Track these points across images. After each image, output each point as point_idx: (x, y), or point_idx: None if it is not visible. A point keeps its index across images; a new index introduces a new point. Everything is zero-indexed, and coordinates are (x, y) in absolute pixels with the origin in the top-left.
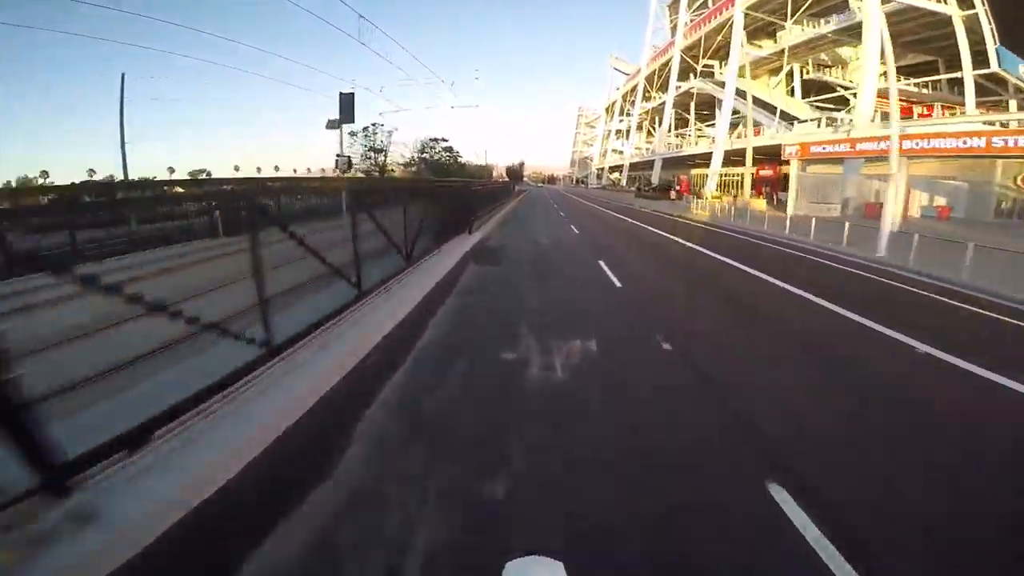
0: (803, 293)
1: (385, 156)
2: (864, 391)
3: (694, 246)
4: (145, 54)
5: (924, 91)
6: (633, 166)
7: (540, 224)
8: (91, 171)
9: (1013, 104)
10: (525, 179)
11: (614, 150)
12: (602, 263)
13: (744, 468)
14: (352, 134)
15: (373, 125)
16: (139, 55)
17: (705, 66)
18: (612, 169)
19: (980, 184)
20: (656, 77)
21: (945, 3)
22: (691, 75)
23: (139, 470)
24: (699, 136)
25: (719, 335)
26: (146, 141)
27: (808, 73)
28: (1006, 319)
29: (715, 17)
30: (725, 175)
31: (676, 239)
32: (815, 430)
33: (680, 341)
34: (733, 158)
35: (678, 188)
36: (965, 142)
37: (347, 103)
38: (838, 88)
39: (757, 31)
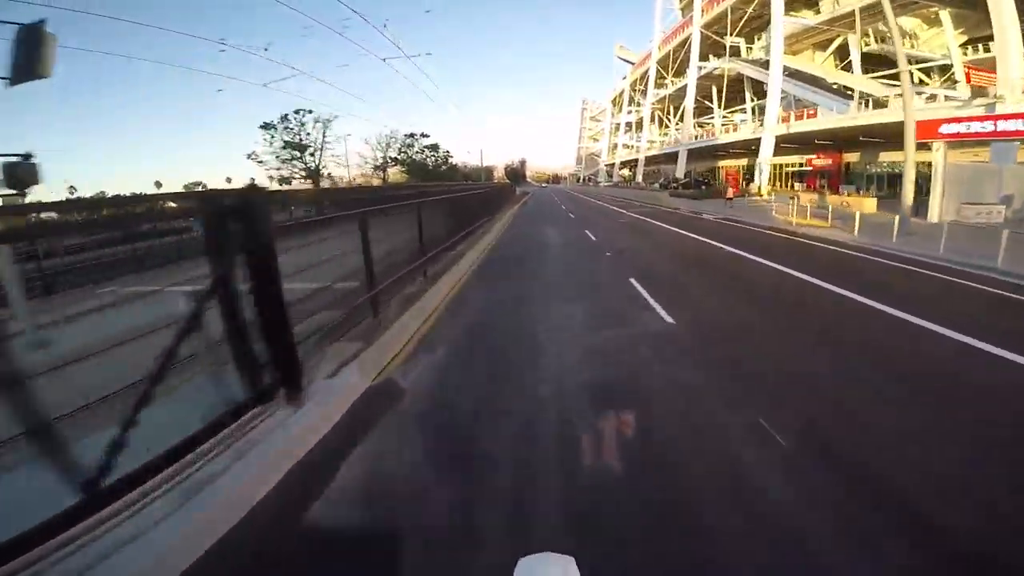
0: None
1: (319, 155)
2: None
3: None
4: None
5: None
6: (649, 160)
7: (555, 270)
8: None
9: None
10: (528, 179)
11: (624, 145)
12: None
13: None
14: (266, 126)
15: (298, 112)
16: None
17: (730, 45)
18: (624, 164)
19: None
20: (671, 60)
21: None
22: (710, 56)
23: None
24: (726, 122)
25: None
26: None
27: (867, 45)
28: None
29: None
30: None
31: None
32: None
33: None
34: (782, 145)
35: (723, 184)
36: None
37: (30, 39)
38: (913, 62)
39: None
